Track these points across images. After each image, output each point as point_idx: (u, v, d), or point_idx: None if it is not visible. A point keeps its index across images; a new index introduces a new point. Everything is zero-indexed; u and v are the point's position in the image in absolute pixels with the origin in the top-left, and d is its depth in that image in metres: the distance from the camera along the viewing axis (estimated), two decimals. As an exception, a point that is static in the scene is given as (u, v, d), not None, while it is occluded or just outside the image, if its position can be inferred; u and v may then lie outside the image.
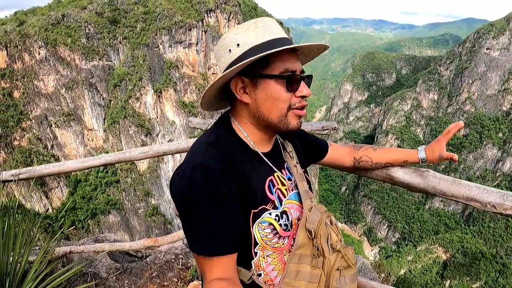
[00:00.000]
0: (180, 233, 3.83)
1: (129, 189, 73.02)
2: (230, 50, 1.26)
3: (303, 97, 1.29)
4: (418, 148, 1.79)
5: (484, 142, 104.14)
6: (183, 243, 4.18)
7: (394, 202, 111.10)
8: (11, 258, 2.54)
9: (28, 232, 2.70)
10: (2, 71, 71.54)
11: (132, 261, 4.09)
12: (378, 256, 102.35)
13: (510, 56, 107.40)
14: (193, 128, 3.13)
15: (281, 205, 1.33)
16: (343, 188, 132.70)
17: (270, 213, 1.28)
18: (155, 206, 72.96)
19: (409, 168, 1.90)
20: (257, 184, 1.30)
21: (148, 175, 73.20)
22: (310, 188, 1.51)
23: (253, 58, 1.18)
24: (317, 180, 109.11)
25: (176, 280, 3.51)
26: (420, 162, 1.78)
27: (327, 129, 2.85)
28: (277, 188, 1.35)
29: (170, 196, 1.24)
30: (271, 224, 1.28)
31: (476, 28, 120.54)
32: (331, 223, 1.38)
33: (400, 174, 1.88)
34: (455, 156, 1.65)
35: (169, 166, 74.17)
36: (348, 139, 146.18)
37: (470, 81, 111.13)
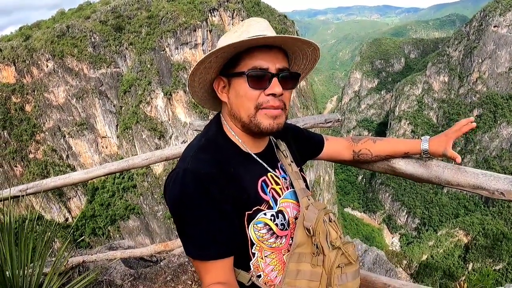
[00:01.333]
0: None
1: (146, 193, 73.32)
2: None
3: (274, 95, 1.23)
4: (422, 138, 1.70)
5: (499, 121, 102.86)
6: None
7: (411, 188, 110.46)
8: (25, 271, 2.55)
9: (42, 244, 2.70)
10: (12, 86, 72.34)
11: (146, 266, 4.10)
12: (399, 243, 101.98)
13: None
14: (195, 130, 3.12)
15: (276, 204, 1.32)
16: (360, 177, 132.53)
17: (265, 214, 1.27)
18: (173, 208, 73.16)
19: (411, 157, 1.83)
20: (250, 185, 1.29)
21: (164, 178, 73.20)
22: (306, 186, 1.48)
23: (203, 57, 1.20)
24: (333, 170, 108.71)
25: (190, 282, 3.51)
26: (422, 153, 1.70)
27: (331, 122, 2.82)
28: (271, 188, 1.34)
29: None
30: (266, 224, 1.27)
31: (482, 6, 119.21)
32: (330, 220, 1.35)
33: (402, 165, 1.82)
34: (459, 159, 1.58)
35: (185, 168, 74.21)
36: (361, 127, 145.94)
37: (480, 61, 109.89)
